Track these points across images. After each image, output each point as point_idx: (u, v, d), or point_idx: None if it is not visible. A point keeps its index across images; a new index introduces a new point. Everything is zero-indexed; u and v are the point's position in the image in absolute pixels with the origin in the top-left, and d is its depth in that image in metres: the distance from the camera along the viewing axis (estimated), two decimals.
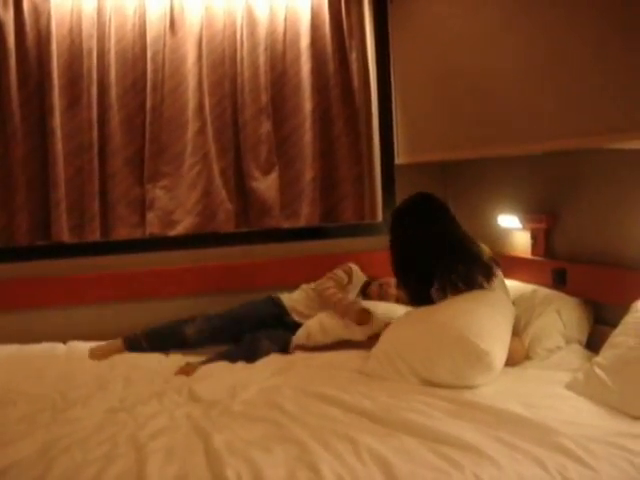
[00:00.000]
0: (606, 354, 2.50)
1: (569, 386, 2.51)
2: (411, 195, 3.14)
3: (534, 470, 1.88)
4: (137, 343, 3.30)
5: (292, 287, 3.73)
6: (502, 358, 2.60)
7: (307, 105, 4.00)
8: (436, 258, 2.94)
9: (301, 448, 2.01)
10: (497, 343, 2.61)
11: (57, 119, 3.65)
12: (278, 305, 3.52)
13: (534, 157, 3.27)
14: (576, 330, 2.98)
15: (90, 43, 3.70)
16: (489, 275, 2.93)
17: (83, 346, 3.33)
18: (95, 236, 3.74)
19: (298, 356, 3.15)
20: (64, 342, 3.48)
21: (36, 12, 3.63)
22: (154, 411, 2.43)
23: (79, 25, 3.68)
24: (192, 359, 3.14)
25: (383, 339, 2.85)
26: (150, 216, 3.80)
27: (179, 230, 3.84)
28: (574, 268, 3.10)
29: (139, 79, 3.80)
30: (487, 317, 2.70)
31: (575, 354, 2.88)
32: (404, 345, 2.74)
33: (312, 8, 3.99)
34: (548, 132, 2.76)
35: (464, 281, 2.88)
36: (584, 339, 2.99)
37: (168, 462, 1.95)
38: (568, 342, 2.94)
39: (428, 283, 2.94)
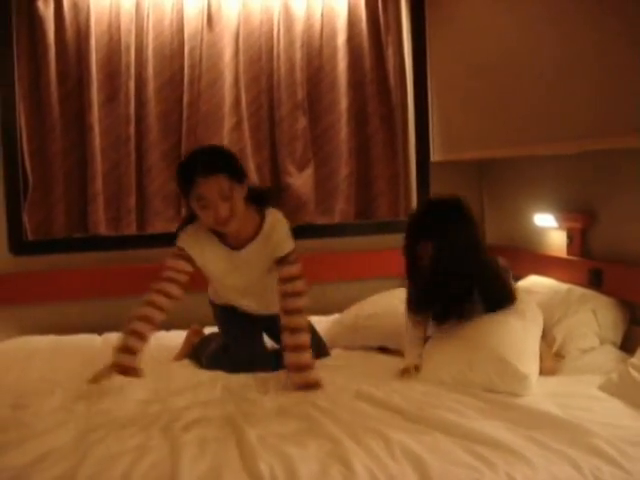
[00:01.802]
0: None
1: (603, 387, 2.48)
2: (444, 196, 2.88)
3: (568, 471, 1.86)
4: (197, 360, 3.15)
5: (325, 283, 3.74)
6: (537, 374, 2.57)
7: (343, 101, 4.00)
8: (481, 266, 2.80)
9: (334, 444, 2.01)
10: (534, 363, 2.58)
11: (95, 114, 3.70)
12: None
13: (571, 155, 3.23)
14: (611, 331, 2.94)
15: (128, 39, 3.73)
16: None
17: (118, 338, 3.35)
18: (131, 229, 3.79)
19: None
20: (100, 334, 3.53)
21: (75, 8, 3.68)
22: (188, 403, 2.45)
23: (118, 21, 3.72)
24: None
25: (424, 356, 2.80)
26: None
27: None
28: (610, 268, 3.06)
29: (176, 74, 3.83)
30: (522, 333, 2.66)
31: (609, 355, 2.84)
32: (443, 361, 2.68)
33: (349, 4, 3.99)
34: (585, 130, 2.74)
35: (501, 296, 2.82)
36: (619, 340, 2.96)
37: (201, 454, 1.96)
38: (602, 342, 2.91)
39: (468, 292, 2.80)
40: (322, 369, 2.79)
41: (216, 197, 2.54)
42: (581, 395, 2.44)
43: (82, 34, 3.68)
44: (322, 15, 3.97)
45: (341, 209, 4.05)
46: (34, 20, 3.62)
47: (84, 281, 3.72)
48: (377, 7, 4.03)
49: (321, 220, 4.05)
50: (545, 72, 2.97)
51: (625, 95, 2.50)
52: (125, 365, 2.46)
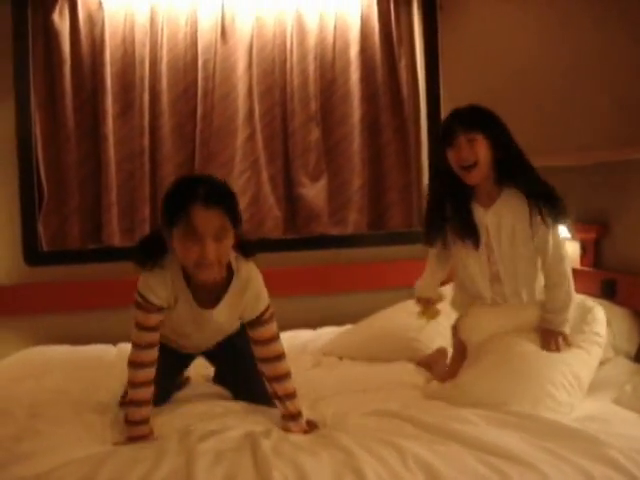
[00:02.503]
0: None
1: (617, 400, 2.47)
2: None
3: None
4: None
5: (338, 294, 3.74)
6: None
7: (356, 113, 4.02)
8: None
9: (347, 453, 2.01)
10: (580, 393, 2.48)
11: (110, 125, 3.72)
12: None
13: (584, 166, 3.23)
14: (626, 342, 2.93)
15: (143, 52, 3.77)
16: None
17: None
18: None
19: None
20: (114, 344, 3.54)
21: (91, 21, 3.71)
22: (203, 412, 2.46)
23: (132, 34, 3.75)
24: None
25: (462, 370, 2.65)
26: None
27: None
28: (624, 279, 3.05)
29: (190, 87, 3.85)
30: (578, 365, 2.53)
31: (623, 367, 2.82)
32: (482, 391, 2.46)
33: (362, 16, 4.01)
34: (599, 141, 2.74)
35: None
36: (633, 351, 2.94)
37: (217, 463, 1.96)
38: (617, 353, 2.90)
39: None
40: (333, 379, 2.80)
41: (209, 233, 2.12)
42: (595, 406, 2.42)
43: (97, 47, 3.72)
44: (335, 28, 3.99)
45: (354, 220, 4.06)
46: (50, 33, 3.66)
47: (98, 292, 3.73)
48: (390, 19, 4.05)
49: (334, 231, 4.05)
50: (558, 83, 2.98)
51: (638, 106, 2.50)
52: (144, 435, 2.27)
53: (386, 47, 4.07)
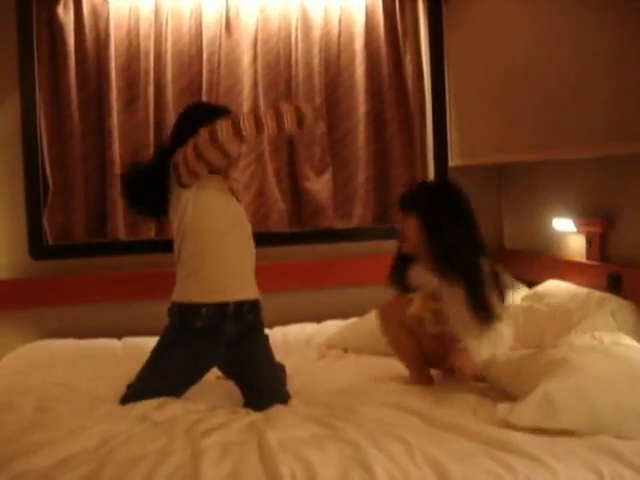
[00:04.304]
0: None
1: None
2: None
3: (589, 476, 1.86)
4: None
5: (343, 287, 3.73)
6: None
7: (361, 107, 4.01)
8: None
9: (354, 448, 2.01)
10: None
11: (114, 119, 3.72)
12: None
13: (589, 160, 3.23)
14: (631, 335, 2.91)
15: (147, 45, 3.75)
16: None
17: (138, 342, 3.38)
18: (150, 234, 3.81)
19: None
20: (120, 338, 3.55)
21: (95, 14, 3.71)
22: (210, 407, 2.46)
23: (137, 27, 3.74)
24: None
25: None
26: None
27: None
28: (629, 273, 3.05)
29: (195, 80, 3.84)
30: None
31: None
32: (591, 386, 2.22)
33: (366, 10, 4.00)
34: (604, 135, 2.73)
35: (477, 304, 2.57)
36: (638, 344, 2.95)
37: (223, 458, 1.97)
38: None
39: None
40: (339, 372, 2.80)
41: None
42: None
43: (102, 40, 3.71)
44: (340, 21, 3.97)
45: (359, 214, 4.05)
46: (54, 27, 3.65)
47: (104, 285, 3.73)
48: (395, 12, 4.03)
49: (339, 224, 4.05)
50: (563, 76, 2.97)
51: None
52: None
53: (391, 40, 4.06)
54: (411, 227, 2.69)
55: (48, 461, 1.98)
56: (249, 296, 2.68)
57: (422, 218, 2.66)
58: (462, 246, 2.61)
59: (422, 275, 2.76)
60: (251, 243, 2.76)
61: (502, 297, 2.64)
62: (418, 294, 2.76)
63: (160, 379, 2.58)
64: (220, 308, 2.60)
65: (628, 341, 2.61)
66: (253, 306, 2.69)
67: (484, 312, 2.54)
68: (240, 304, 2.63)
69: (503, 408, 2.19)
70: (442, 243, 2.62)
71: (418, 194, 2.75)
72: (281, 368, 2.83)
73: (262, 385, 2.61)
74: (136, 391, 2.55)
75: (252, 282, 2.72)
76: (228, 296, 2.62)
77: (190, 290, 2.63)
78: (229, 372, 2.74)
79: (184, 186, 2.57)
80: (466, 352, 2.54)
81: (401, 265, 2.84)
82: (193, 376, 2.65)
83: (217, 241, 2.62)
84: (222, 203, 2.67)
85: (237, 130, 2.41)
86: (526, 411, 2.13)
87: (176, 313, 2.66)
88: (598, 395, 2.15)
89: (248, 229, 2.77)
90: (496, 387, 2.50)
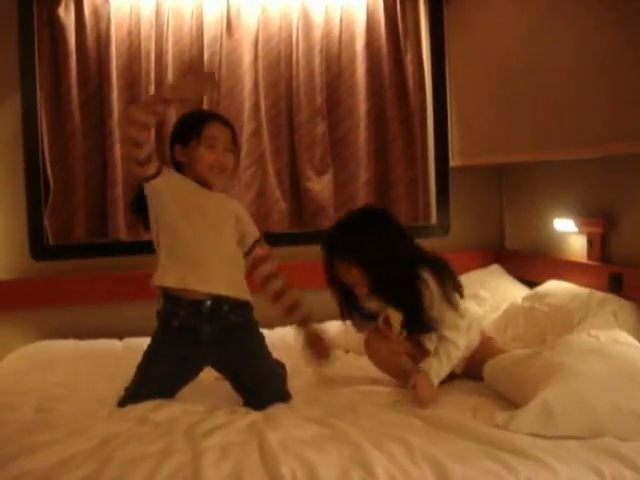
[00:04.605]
0: None
1: None
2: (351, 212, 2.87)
3: (590, 477, 1.85)
4: None
5: None
6: None
7: (362, 107, 4.01)
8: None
9: (355, 448, 2.01)
10: None
11: (115, 119, 3.72)
12: None
13: (591, 160, 3.22)
14: (632, 335, 2.92)
15: (148, 45, 3.76)
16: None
17: (139, 342, 3.37)
18: (151, 234, 3.79)
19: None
20: (120, 339, 3.55)
21: (96, 15, 3.71)
22: (210, 408, 2.46)
23: (138, 27, 3.74)
24: None
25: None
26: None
27: None
28: (631, 273, 3.04)
29: None
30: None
31: None
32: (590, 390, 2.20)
33: (367, 9, 4.00)
34: (605, 134, 2.73)
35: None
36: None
37: (223, 458, 1.97)
38: None
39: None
40: (340, 373, 2.80)
41: (223, 142, 2.62)
42: None
43: (102, 41, 3.71)
44: (341, 21, 3.97)
45: None
46: (55, 27, 3.65)
47: (105, 286, 3.74)
48: (396, 12, 4.03)
49: None
50: (564, 76, 2.97)
51: None
52: None
53: (392, 40, 4.05)
54: (356, 274, 2.70)
55: (49, 461, 1.97)
56: (219, 291, 2.61)
57: (361, 265, 2.67)
58: (395, 274, 2.69)
59: (374, 299, 2.80)
60: (223, 237, 2.68)
61: (459, 292, 2.71)
62: (389, 310, 2.77)
63: (151, 381, 2.59)
64: (196, 307, 2.60)
65: (624, 337, 2.60)
66: (236, 306, 2.65)
67: (425, 331, 2.72)
68: (218, 303, 2.61)
69: (502, 417, 2.18)
70: (380, 277, 2.68)
71: (342, 237, 2.76)
72: (281, 366, 2.83)
73: (261, 384, 2.60)
74: (131, 394, 2.55)
75: (224, 278, 2.64)
76: (183, 284, 2.64)
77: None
78: (224, 373, 2.72)
79: (145, 180, 2.64)
80: (426, 378, 2.53)
81: (348, 301, 2.89)
82: (181, 377, 2.64)
83: (171, 229, 2.72)
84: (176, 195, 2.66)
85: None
86: (525, 421, 2.12)
87: (158, 313, 2.72)
88: (597, 398, 2.14)
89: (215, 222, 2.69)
90: (494, 390, 2.50)
